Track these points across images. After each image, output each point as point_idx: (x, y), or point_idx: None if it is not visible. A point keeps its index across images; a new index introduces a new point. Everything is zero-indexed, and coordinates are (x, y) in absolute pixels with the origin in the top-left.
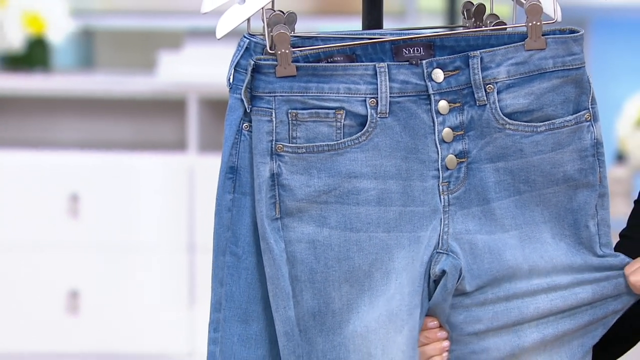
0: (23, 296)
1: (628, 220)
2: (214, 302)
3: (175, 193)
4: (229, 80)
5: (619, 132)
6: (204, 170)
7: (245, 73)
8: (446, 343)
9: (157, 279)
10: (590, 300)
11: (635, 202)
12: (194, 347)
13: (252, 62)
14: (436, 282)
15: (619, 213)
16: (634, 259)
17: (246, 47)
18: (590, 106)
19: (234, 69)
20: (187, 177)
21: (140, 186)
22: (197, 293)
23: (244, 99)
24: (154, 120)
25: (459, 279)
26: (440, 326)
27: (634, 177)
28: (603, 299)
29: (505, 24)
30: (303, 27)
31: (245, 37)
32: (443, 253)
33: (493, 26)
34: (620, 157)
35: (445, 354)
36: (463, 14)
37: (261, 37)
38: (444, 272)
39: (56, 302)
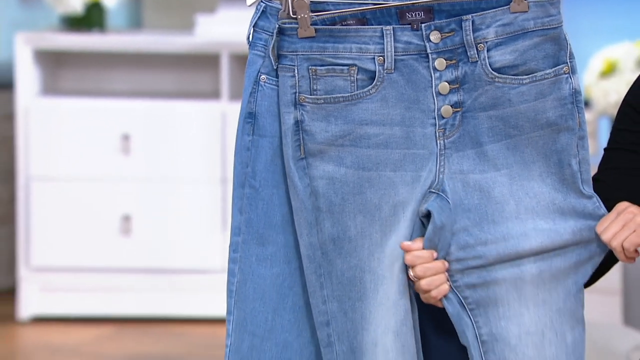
0: (84, 220)
1: (599, 166)
2: (233, 227)
3: (210, 134)
4: (249, 38)
5: (585, 82)
6: (234, 115)
7: (263, 32)
8: (441, 277)
9: (196, 207)
10: (572, 241)
11: (605, 149)
12: (226, 264)
13: (277, 26)
14: (426, 218)
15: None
16: (604, 199)
17: (262, 10)
18: (568, 60)
19: (253, 29)
20: (220, 121)
21: (181, 128)
22: (228, 218)
23: (271, 57)
24: (192, 73)
25: (453, 217)
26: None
27: (597, 120)
28: (583, 241)
29: None
30: None
31: (262, 1)
32: (434, 192)
33: None
34: (587, 103)
35: (442, 287)
36: None
37: (277, 1)
38: (429, 212)
39: (111, 225)
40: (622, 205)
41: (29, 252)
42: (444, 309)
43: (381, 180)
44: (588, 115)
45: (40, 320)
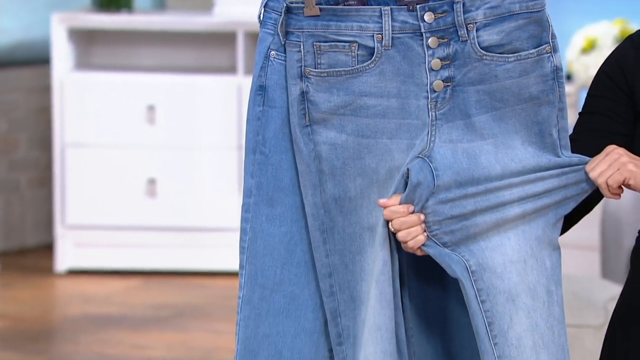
0: (114, 183)
1: (574, 128)
2: (245, 190)
3: (227, 105)
4: (260, 17)
5: (568, 57)
6: (249, 88)
7: (273, 12)
8: (417, 229)
9: (214, 171)
10: (557, 186)
11: (580, 113)
12: None
13: (285, 5)
14: (408, 180)
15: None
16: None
17: None
18: (550, 40)
19: (264, 9)
20: (236, 93)
21: (201, 100)
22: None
23: (279, 33)
24: (210, 50)
25: (433, 177)
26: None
27: (578, 92)
28: (571, 183)
29: None
30: None
31: None
32: (420, 158)
33: None
34: (569, 77)
35: (418, 238)
36: None
37: None
38: (407, 170)
39: (138, 187)
40: (610, 147)
41: (65, 211)
42: (427, 256)
43: (378, 146)
44: (570, 88)
45: (75, 273)
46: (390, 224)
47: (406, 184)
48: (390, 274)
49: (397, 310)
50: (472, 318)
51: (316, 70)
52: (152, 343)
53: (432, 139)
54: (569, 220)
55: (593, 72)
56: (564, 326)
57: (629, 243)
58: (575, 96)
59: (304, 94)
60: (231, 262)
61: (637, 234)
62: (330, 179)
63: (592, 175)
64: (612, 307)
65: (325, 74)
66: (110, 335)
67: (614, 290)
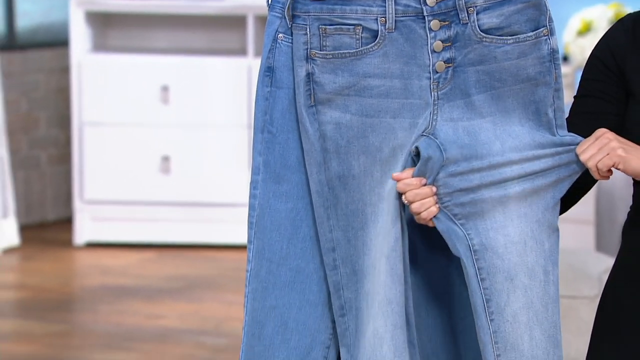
0: (129, 160)
1: (570, 111)
2: (254, 168)
3: (237, 86)
4: (268, 1)
5: (565, 39)
6: (258, 69)
7: None
8: (430, 201)
9: (225, 149)
10: (552, 165)
11: (575, 97)
12: None
13: None
14: (416, 156)
15: (565, 98)
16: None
17: None
18: (547, 24)
19: None
20: (246, 74)
21: (212, 81)
22: None
23: (286, 17)
24: (222, 32)
25: (441, 151)
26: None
27: (575, 72)
28: (564, 164)
29: None
30: None
31: None
32: (425, 136)
33: None
34: (566, 58)
35: (430, 209)
36: None
37: None
38: (417, 149)
39: (153, 164)
40: (600, 131)
41: (83, 187)
42: (435, 229)
43: (382, 125)
44: (566, 69)
45: (93, 246)
46: (403, 196)
47: (414, 161)
48: (401, 250)
49: (407, 285)
50: (471, 295)
51: (322, 52)
52: (166, 313)
53: (435, 117)
54: (568, 201)
55: (589, 53)
56: (558, 304)
57: (622, 218)
58: (572, 77)
59: (309, 75)
60: (241, 235)
61: (629, 209)
62: (334, 157)
63: (582, 158)
64: (606, 278)
65: (331, 56)
66: (127, 305)
67: (608, 262)
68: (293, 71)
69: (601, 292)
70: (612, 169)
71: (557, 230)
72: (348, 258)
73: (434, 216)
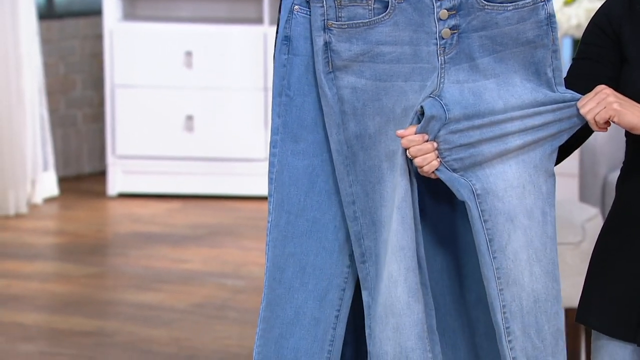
0: (156, 119)
1: (568, 71)
2: (273, 128)
3: (255, 52)
4: None
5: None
6: (273, 36)
7: None
8: (431, 155)
9: (244, 109)
10: (553, 119)
11: (574, 59)
12: (267, 155)
13: None
14: (422, 115)
15: None
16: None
17: None
18: None
19: None
20: (262, 41)
21: (232, 47)
22: (269, 118)
23: None
24: (241, 3)
25: (444, 111)
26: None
27: (562, 39)
28: (565, 117)
29: None
30: None
31: None
32: (431, 97)
33: None
34: None
35: (432, 163)
36: None
37: None
38: (422, 108)
39: (178, 123)
40: (600, 87)
41: (115, 143)
42: (440, 181)
43: (394, 88)
44: None
45: (124, 196)
46: (407, 151)
47: (419, 119)
48: (410, 200)
49: (417, 232)
50: (475, 235)
51: (337, 22)
52: (190, 257)
53: (442, 80)
54: (565, 151)
55: (574, 22)
56: (555, 243)
57: (603, 171)
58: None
59: (327, 44)
60: (258, 188)
61: (609, 163)
62: (352, 118)
63: (582, 111)
64: (589, 226)
65: (346, 26)
66: (155, 250)
67: (591, 212)
68: (309, 40)
69: (585, 238)
70: (610, 121)
71: (554, 175)
72: (367, 210)
73: (436, 169)
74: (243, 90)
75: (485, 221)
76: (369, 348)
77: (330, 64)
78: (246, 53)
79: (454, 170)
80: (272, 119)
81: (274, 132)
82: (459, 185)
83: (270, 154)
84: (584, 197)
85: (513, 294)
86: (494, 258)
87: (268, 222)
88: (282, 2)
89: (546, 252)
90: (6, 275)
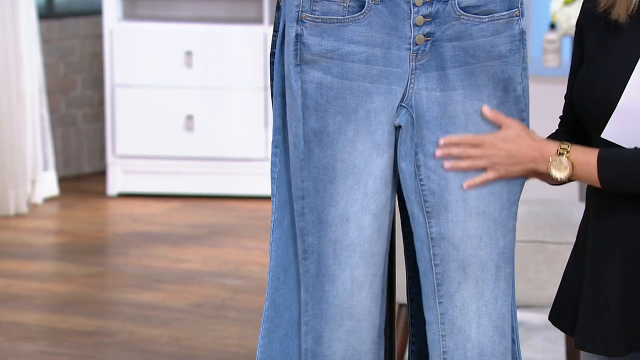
0: (156, 119)
1: (564, 108)
2: (275, 129)
3: (255, 52)
4: None
5: (552, 8)
6: None
7: None
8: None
9: (244, 109)
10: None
11: (565, 96)
12: (267, 154)
13: None
14: (397, 128)
15: (552, 62)
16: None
17: None
18: (519, 5)
19: None
20: (262, 41)
21: (232, 47)
22: (269, 117)
23: None
24: (241, 3)
25: (413, 125)
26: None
27: (561, 39)
28: None
29: None
30: None
31: None
32: (404, 107)
33: None
34: (553, 26)
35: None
36: None
37: None
38: (400, 126)
39: (177, 123)
40: (495, 139)
41: (115, 143)
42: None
43: (360, 89)
44: (554, 36)
45: (124, 196)
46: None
47: (395, 129)
48: (389, 210)
49: (388, 241)
50: (422, 277)
51: (311, 16)
52: (190, 257)
53: (411, 86)
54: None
55: (574, 22)
56: (509, 299)
57: None
58: (558, 43)
59: (298, 36)
60: (258, 188)
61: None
62: (313, 114)
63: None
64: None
65: (320, 20)
66: (154, 249)
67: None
68: (284, 31)
69: None
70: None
71: (514, 231)
72: (315, 207)
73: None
74: (243, 89)
75: (435, 265)
76: (306, 345)
77: (298, 56)
78: (246, 53)
79: (425, 202)
80: (274, 119)
81: (276, 132)
82: (418, 225)
83: (272, 154)
84: (583, 197)
85: (457, 342)
86: (440, 303)
87: (272, 221)
88: (283, 2)
89: (497, 307)
90: (6, 275)
